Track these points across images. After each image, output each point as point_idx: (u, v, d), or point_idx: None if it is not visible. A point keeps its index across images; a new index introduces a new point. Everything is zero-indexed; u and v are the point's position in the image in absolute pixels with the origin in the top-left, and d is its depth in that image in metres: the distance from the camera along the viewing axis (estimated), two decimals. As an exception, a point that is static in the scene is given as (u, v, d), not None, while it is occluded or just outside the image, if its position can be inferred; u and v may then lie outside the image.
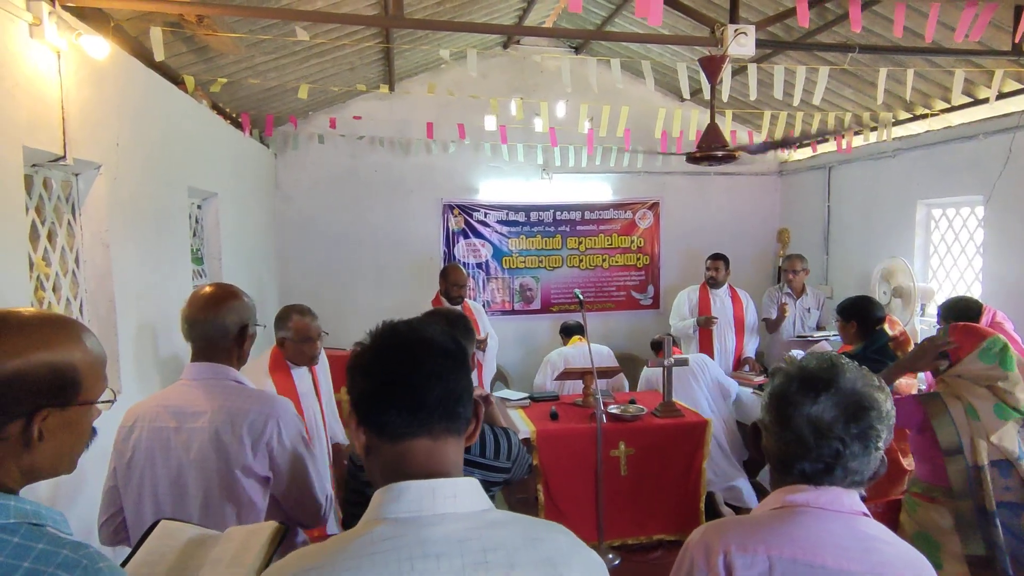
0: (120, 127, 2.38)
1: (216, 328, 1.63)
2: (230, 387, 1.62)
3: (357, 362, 0.87)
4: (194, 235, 3.47)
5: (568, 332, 4.68)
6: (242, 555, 1.24)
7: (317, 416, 2.65)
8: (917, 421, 2.26)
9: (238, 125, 4.22)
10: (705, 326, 4.71)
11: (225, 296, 1.68)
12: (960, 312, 3.07)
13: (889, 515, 2.45)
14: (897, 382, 3.10)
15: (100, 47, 2.01)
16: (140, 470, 1.58)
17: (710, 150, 2.46)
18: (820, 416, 1.05)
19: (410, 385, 0.83)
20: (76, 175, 2.21)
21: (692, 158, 2.56)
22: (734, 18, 2.33)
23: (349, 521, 1.69)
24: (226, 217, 3.77)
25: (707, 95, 5.29)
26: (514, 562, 0.77)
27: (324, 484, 1.71)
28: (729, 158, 2.48)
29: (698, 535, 1.11)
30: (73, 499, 1.96)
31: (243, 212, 4.23)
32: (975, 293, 4.15)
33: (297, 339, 2.51)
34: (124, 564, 1.20)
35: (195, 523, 1.42)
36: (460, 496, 0.81)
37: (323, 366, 2.85)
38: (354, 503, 1.66)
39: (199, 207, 3.59)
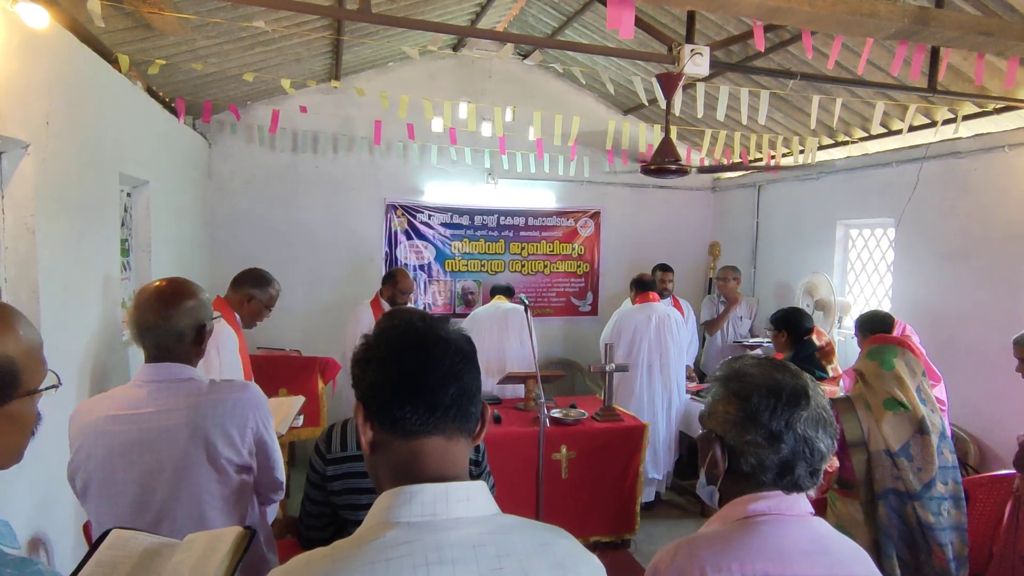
0: (51, 104, 2.19)
1: (170, 334, 1.51)
2: (196, 383, 1.54)
3: (370, 354, 0.85)
4: (122, 224, 3.25)
5: (494, 291, 4.78)
6: (205, 562, 1.18)
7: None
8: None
9: (172, 110, 3.99)
10: None
11: (178, 296, 1.54)
12: (875, 325, 3.30)
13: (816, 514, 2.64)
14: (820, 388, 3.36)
15: (39, 16, 1.85)
16: (98, 481, 1.46)
17: (664, 163, 2.56)
18: (807, 427, 1.12)
19: (429, 382, 0.82)
20: (0, 153, 2.02)
21: (647, 170, 2.66)
22: (690, 38, 2.44)
23: (308, 532, 1.61)
24: (157, 207, 3.56)
25: (649, 110, 5.52)
26: (527, 568, 0.77)
27: (281, 461, 1.68)
28: (681, 172, 2.60)
29: (668, 557, 1.10)
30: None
31: (175, 203, 4.00)
32: (885, 308, 4.51)
33: (265, 305, 2.76)
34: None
35: (162, 528, 1.34)
36: (472, 500, 0.80)
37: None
38: (315, 516, 1.58)
39: (128, 195, 3.37)
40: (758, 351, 4.46)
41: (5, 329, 0.86)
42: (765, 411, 1.11)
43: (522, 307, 3.76)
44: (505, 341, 4.43)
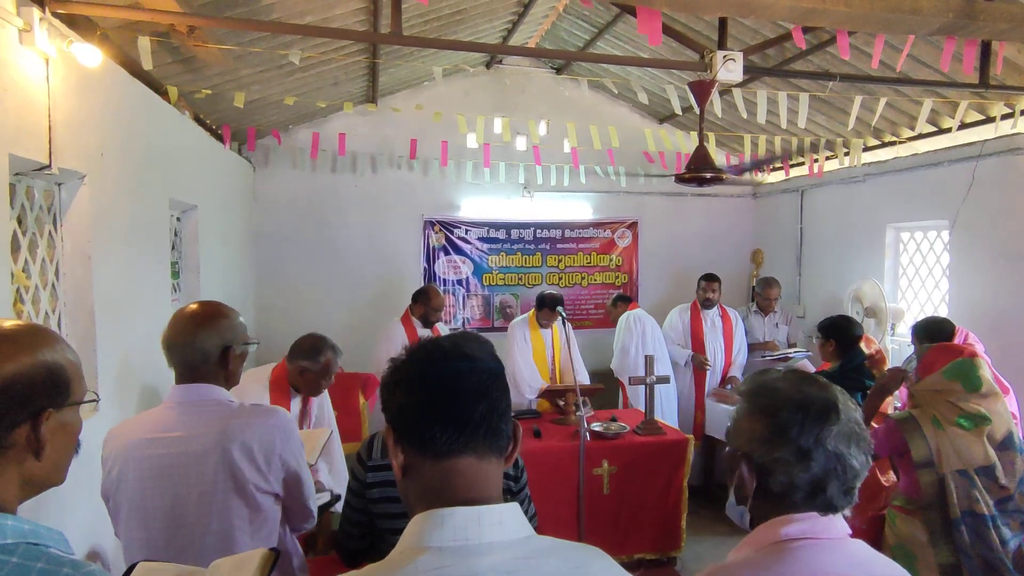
0: (105, 137, 2.32)
1: (195, 352, 1.52)
2: (224, 406, 1.54)
3: (397, 376, 0.85)
4: (172, 247, 3.39)
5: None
6: None
7: None
8: (899, 446, 2.34)
9: (219, 137, 4.17)
10: (700, 368, 4.80)
11: (206, 317, 1.57)
12: (934, 332, 3.15)
13: (873, 532, 2.51)
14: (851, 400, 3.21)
15: (92, 55, 1.97)
16: (129, 506, 1.49)
17: (699, 171, 2.52)
18: (838, 442, 1.06)
19: (457, 399, 0.81)
20: (59, 184, 2.15)
21: (681, 179, 2.62)
22: (722, 44, 2.41)
23: (345, 540, 1.63)
24: (205, 230, 3.70)
25: (685, 118, 5.46)
26: None
27: (313, 491, 1.69)
28: (717, 179, 2.55)
29: None
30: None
31: (222, 226, 4.16)
32: (942, 314, 4.29)
33: (320, 375, 2.53)
34: None
35: (190, 554, 1.37)
36: (505, 523, 0.79)
37: (323, 396, 2.84)
38: (353, 524, 1.61)
39: (178, 219, 3.52)
40: (804, 362, 4.31)
41: (56, 342, 0.93)
42: (793, 427, 1.05)
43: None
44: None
